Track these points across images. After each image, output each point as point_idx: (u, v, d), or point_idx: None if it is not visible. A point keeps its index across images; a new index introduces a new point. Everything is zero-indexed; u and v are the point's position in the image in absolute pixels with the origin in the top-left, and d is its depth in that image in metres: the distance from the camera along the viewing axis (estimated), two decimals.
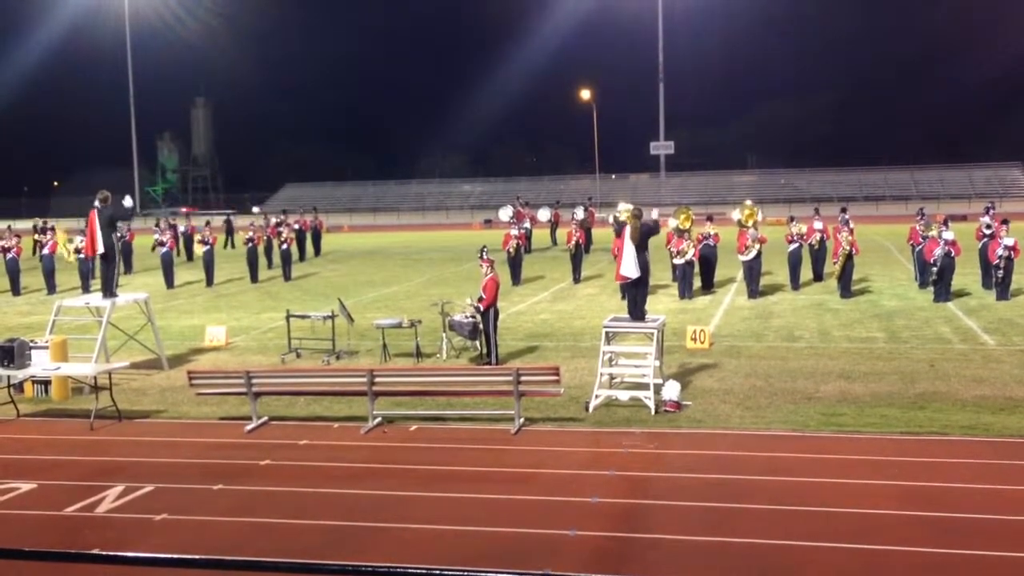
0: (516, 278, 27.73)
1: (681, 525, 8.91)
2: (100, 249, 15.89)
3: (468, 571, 3.59)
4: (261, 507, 9.78)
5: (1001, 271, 22.09)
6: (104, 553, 4.02)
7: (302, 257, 38.26)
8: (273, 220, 37.25)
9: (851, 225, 24.09)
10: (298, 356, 17.53)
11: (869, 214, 64.62)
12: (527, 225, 37.46)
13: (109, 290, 16.21)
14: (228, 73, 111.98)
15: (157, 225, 34.33)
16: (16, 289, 29.17)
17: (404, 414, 13.04)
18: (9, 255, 29.59)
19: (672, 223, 24.74)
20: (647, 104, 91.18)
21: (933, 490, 9.69)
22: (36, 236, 32.50)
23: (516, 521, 9.13)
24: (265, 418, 13.04)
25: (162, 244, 31.21)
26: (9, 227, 32.83)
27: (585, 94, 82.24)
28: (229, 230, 48.44)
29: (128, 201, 16.66)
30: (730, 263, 26.91)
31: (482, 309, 16.01)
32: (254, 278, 30.73)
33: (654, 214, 15.90)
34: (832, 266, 24.50)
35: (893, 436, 11.53)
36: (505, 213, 39.55)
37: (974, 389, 13.64)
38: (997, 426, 11.78)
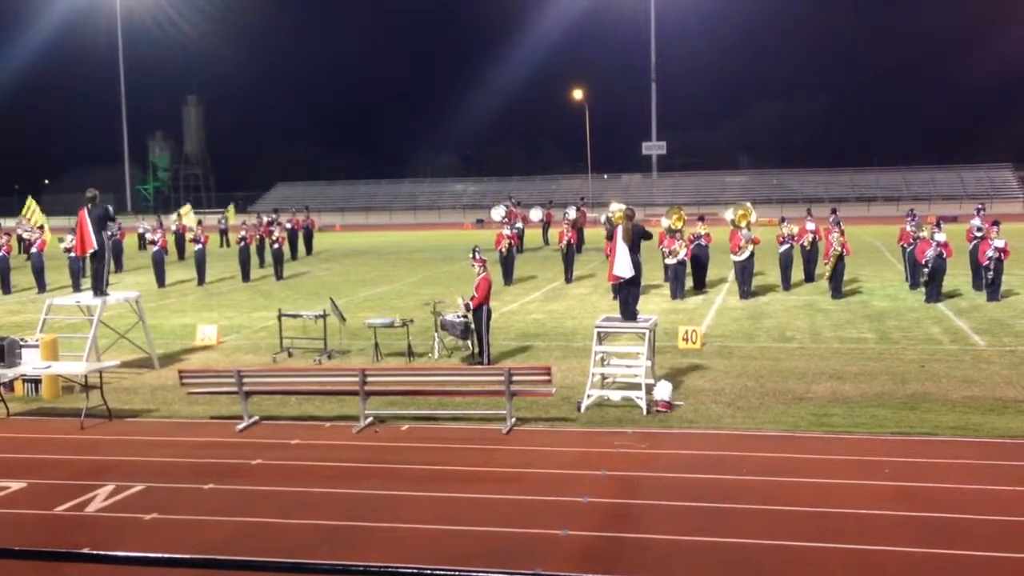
0: (508, 278, 27.72)
1: (672, 525, 8.92)
2: (93, 247, 15.84)
3: (459, 571, 3.59)
4: (252, 506, 9.77)
5: (991, 272, 22.16)
6: (94, 552, 4.01)
7: (294, 256, 38.20)
8: (265, 219, 37.21)
9: (842, 226, 24.16)
10: (289, 355, 17.50)
11: (860, 215, 64.77)
12: (519, 225, 37.44)
13: (100, 288, 16.17)
14: (220, 71, 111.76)
15: (160, 225, 34.29)
16: (6, 287, 29.06)
17: (396, 414, 13.03)
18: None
19: (664, 223, 24.77)
20: (639, 104, 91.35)
21: (923, 490, 9.72)
22: (25, 233, 32.44)
23: (507, 521, 9.13)
24: (256, 417, 13.02)
25: (153, 243, 31.15)
26: None
27: (577, 94, 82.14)
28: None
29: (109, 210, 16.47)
30: (722, 263, 26.95)
31: (472, 307, 16.01)
32: (246, 277, 30.66)
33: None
34: (823, 267, 24.56)
35: (884, 436, 11.57)
36: (497, 213, 39.55)
37: (964, 390, 13.69)
38: (987, 427, 11.82)
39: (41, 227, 32.58)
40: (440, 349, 16.95)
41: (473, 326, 16.26)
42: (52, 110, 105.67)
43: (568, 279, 28.16)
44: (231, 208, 58.25)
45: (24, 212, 39.19)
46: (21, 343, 14.15)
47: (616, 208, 14.23)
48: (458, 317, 16.58)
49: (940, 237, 22.01)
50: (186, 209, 42.81)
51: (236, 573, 3.83)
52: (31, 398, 14.80)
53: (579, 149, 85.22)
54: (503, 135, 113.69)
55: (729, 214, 25.07)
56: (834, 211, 27.30)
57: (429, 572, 3.35)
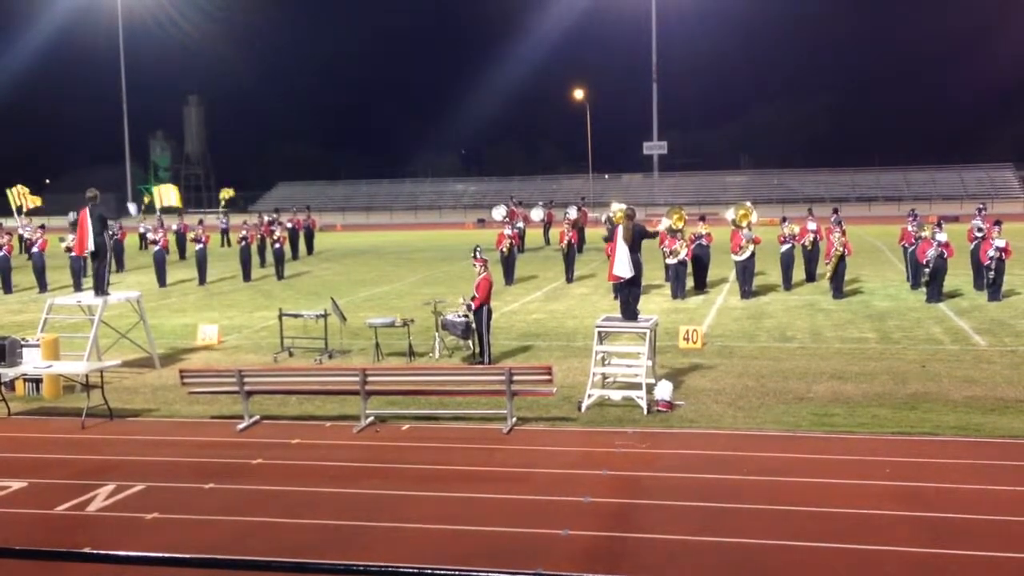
0: (509, 277, 27.72)
1: (673, 525, 8.92)
2: (91, 247, 15.85)
3: (460, 570, 3.58)
4: (253, 506, 9.77)
5: (992, 272, 22.15)
6: (95, 552, 4.01)
7: (295, 256, 38.20)
8: (266, 218, 37.22)
9: (843, 226, 24.14)
10: (290, 355, 17.50)
11: (861, 215, 64.75)
12: (520, 224, 37.43)
13: (101, 288, 16.17)
14: (221, 71, 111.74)
15: (161, 225, 34.30)
16: (8, 287, 29.07)
17: (396, 413, 13.03)
18: (0, 252, 29.47)
19: (665, 223, 24.76)
20: (641, 104, 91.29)
21: (924, 490, 9.72)
22: (26, 233, 32.52)
23: (508, 520, 9.13)
24: (257, 417, 13.02)
25: (155, 242, 31.15)
26: (0, 224, 32.72)
27: (579, 94, 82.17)
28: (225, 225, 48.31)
29: (132, 209, 16.58)
30: (723, 263, 26.95)
31: (474, 308, 16.00)
32: (247, 277, 30.67)
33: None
34: (824, 267, 24.54)
35: (884, 436, 11.56)
36: (498, 212, 39.54)
37: (965, 390, 13.69)
38: (988, 427, 11.82)
39: (42, 226, 32.53)
40: (441, 349, 16.95)
41: (474, 326, 16.26)
42: (53, 109, 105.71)
43: (569, 279, 28.15)
44: (228, 191, 57.59)
45: (12, 202, 39.04)
46: (22, 342, 14.16)
47: (617, 208, 14.22)
48: (459, 317, 16.57)
49: (941, 237, 22.00)
50: (160, 191, 41.04)
51: (237, 573, 3.83)
52: (32, 397, 14.80)
53: (580, 149, 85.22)
54: (504, 135, 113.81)
55: (730, 214, 25.05)
56: (836, 211, 27.27)
57: (430, 572, 3.35)
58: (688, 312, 21.62)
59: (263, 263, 33.89)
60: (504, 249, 27.72)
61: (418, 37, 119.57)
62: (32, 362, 14.04)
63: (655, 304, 22.09)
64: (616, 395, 13.25)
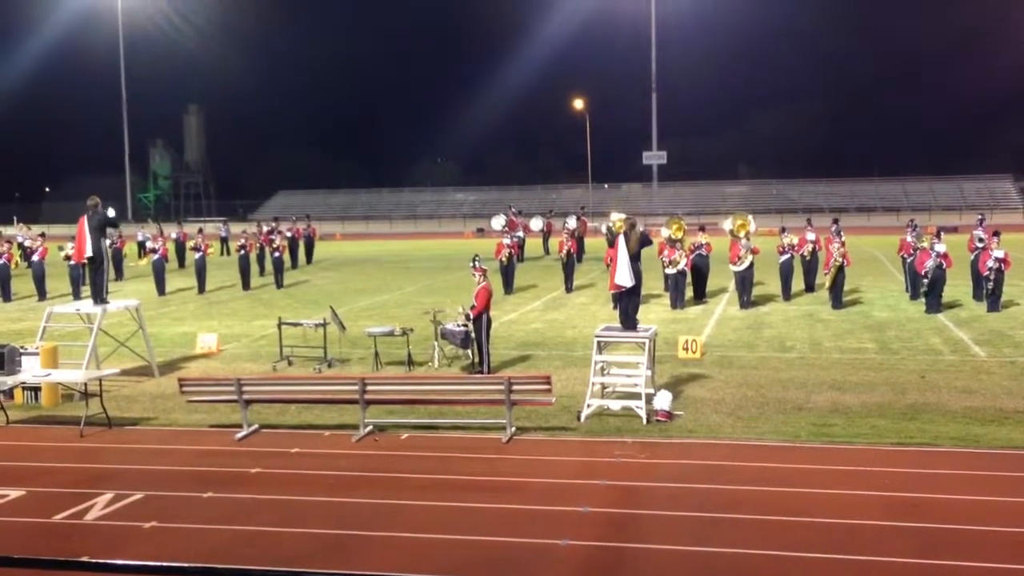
0: (508, 287, 27.73)
1: (672, 535, 8.92)
2: (89, 253, 15.85)
3: None
4: (251, 515, 9.75)
5: (991, 283, 22.16)
6: (93, 561, 4.01)
7: (294, 265, 38.21)
8: (265, 227, 37.26)
9: (842, 236, 24.16)
10: (289, 364, 17.49)
11: (860, 225, 64.83)
12: (520, 234, 37.47)
13: (100, 296, 16.17)
14: (221, 80, 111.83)
15: (160, 233, 34.33)
16: (7, 295, 29.07)
17: (395, 422, 13.02)
18: (0, 260, 29.48)
19: (664, 233, 24.80)
20: (640, 114, 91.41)
21: (923, 501, 9.71)
22: (27, 241, 32.55)
23: (507, 530, 9.12)
24: (256, 426, 13.01)
25: (154, 251, 31.17)
26: (0, 232, 32.76)
27: (578, 104, 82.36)
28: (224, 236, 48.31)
29: (111, 212, 16.60)
30: (722, 273, 26.96)
31: (472, 317, 16.00)
32: (246, 285, 30.66)
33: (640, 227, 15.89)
34: (824, 277, 24.56)
35: (883, 447, 11.56)
36: (498, 222, 39.57)
37: (964, 400, 13.68)
38: (987, 437, 11.81)
39: (42, 234, 32.60)
40: (440, 358, 16.94)
41: (473, 335, 16.26)
42: (53, 118, 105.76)
43: (568, 288, 28.16)
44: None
45: None
46: (21, 351, 14.15)
47: (616, 218, 14.23)
48: (458, 326, 16.57)
49: (940, 248, 22.02)
50: None
51: None
52: (31, 406, 14.78)
53: (580, 158, 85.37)
54: (504, 145, 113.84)
55: (727, 224, 25.08)
56: (835, 221, 27.27)
57: None
58: (687, 322, 21.62)
59: (262, 272, 33.88)
60: (503, 258, 27.75)
61: (418, 46, 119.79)
62: (31, 370, 14.03)
63: (654, 314, 22.10)
64: (615, 405, 13.25)
